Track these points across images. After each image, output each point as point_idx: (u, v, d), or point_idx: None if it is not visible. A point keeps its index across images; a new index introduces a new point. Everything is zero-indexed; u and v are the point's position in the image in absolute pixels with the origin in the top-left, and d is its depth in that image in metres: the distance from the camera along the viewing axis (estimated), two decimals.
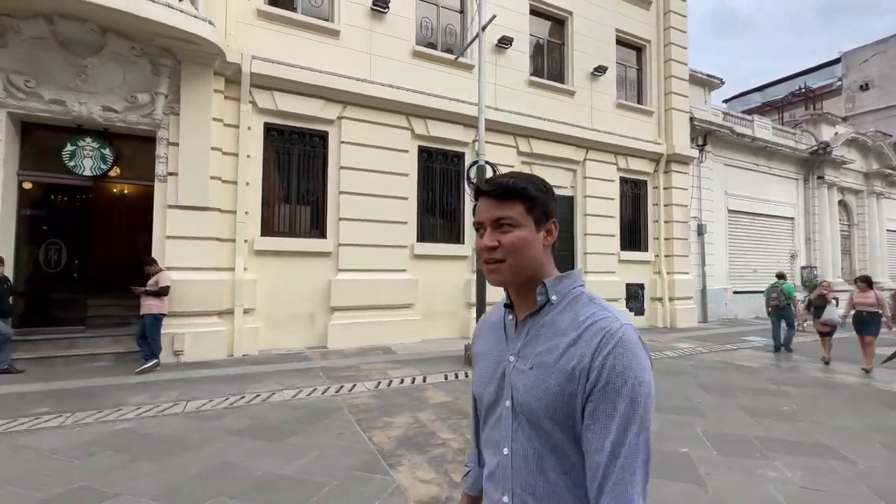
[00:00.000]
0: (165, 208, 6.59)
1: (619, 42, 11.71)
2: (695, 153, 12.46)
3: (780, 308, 8.56)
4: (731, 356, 7.77)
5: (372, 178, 8.24)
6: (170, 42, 6.29)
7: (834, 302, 7.87)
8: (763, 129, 15.13)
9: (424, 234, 8.90)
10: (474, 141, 9.43)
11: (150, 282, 5.98)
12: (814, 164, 16.22)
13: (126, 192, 8.89)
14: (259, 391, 5.06)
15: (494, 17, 7.26)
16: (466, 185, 7.67)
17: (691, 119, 12.54)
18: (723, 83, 14.07)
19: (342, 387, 5.27)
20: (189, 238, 6.66)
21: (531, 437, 0.80)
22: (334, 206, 8.02)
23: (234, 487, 2.84)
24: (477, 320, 8.95)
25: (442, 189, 9.21)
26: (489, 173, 7.02)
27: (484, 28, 7.13)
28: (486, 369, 0.92)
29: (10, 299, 5.69)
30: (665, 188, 12.03)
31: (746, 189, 14.66)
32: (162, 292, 5.96)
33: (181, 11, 6.02)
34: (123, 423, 3.99)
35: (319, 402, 4.72)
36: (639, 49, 12.28)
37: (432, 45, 9.26)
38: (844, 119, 19.77)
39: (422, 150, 8.95)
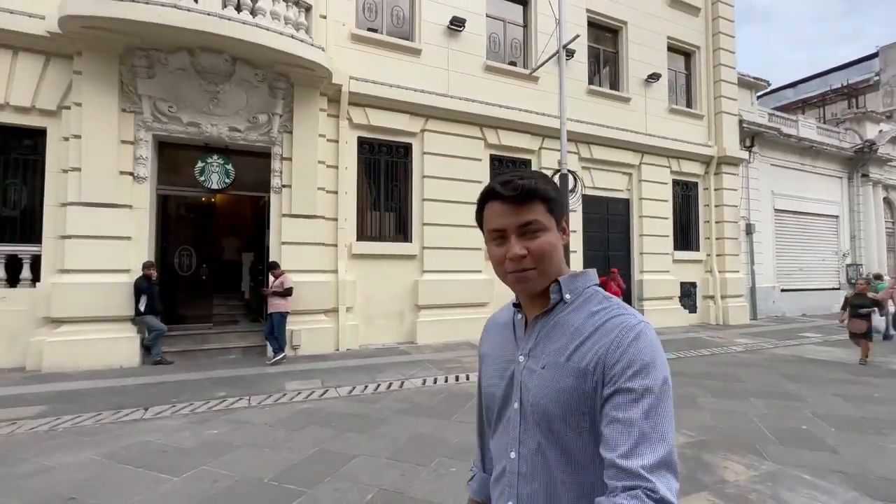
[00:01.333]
0: (280, 217, 7.32)
1: (670, 49, 12.12)
2: (745, 155, 12.79)
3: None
4: (799, 351, 8.16)
5: (450, 186, 8.86)
6: (287, 68, 7.00)
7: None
8: (808, 128, 15.31)
9: None
10: (540, 149, 10.02)
11: (276, 283, 6.69)
12: (858, 162, 16.31)
13: (242, 202, 9.66)
14: (388, 379, 5.70)
15: (577, 36, 7.79)
16: None
17: (740, 121, 12.87)
18: (768, 85, 14.33)
19: (458, 376, 5.89)
20: (301, 244, 7.37)
21: (539, 440, 0.77)
22: (418, 212, 8.67)
23: (446, 450, 3.46)
24: None
25: None
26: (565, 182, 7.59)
27: (565, 46, 7.68)
28: (495, 371, 0.89)
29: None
30: (716, 189, 12.39)
31: (792, 188, 14.87)
32: (287, 293, 6.66)
33: (301, 41, 6.72)
34: (303, 404, 4.67)
35: (451, 388, 5.34)
36: (688, 54, 12.66)
37: (501, 59, 9.84)
38: (889, 116, 19.69)
39: (493, 158, 9.55)
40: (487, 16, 9.63)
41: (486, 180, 9.41)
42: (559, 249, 0.82)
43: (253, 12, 6.49)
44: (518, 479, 0.79)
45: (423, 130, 8.72)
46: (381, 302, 8.20)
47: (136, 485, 2.91)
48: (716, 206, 12.37)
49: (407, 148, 8.71)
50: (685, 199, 12.32)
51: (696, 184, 12.43)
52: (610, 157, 10.84)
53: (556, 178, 7.62)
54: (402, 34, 8.85)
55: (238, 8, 6.36)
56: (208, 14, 6.03)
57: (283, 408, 4.57)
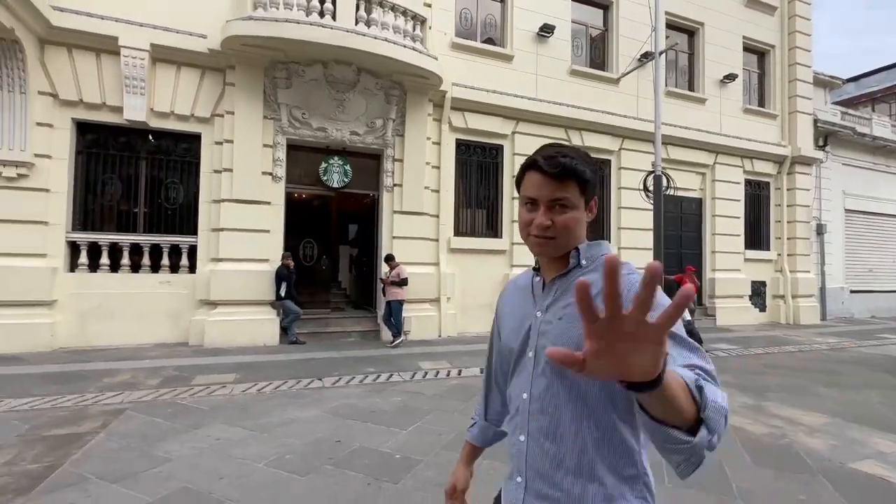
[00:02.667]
0: (392, 213, 8.00)
1: (745, 48, 12.15)
2: (820, 155, 12.72)
3: None
4: (886, 350, 8.29)
5: None
6: (403, 76, 7.64)
7: None
8: (882, 127, 14.95)
9: None
10: (620, 149, 10.36)
11: (393, 274, 7.37)
12: None
13: (350, 199, 10.31)
14: None
15: (677, 44, 8.11)
16: (643, 195, 8.61)
17: (815, 121, 12.78)
18: (844, 83, 14.09)
19: None
20: (409, 238, 8.04)
21: (552, 384, 0.86)
22: (508, 210, 9.20)
23: None
24: None
25: None
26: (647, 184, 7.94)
27: (661, 53, 8.02)
28: (513, 326, 0.99)
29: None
30: (788, 189, 12.40)
31: (863, 188, 14.59)
32: (403, 282, 7.34)
33: (420, 52, 7.34)
34: (452, 380, 5.30)
35: None
36: (762, 54, 12.65)
37: (582, 63, 10.21)
38: None
39: None
40: (572, 21, 10.01)
41: None
42: (581, 225, 0.90)
43: (380, 27, 7.12)
44: (529, 416, 0.89)
45: (513, 133, 9.23)
46: (475, 293, 8.80)
47: (375, 434, 3.58)
48: (788, 205, 12.39)
49: (498, 149, 9.25)
50: (756, 198, 12.38)
51: (767, 183, 12.47)
52: (685, 158, 11.06)
53: (650, 180, 8.01)
54: (494, 41, 9.36)
55: (367, 24, 7.01)
56: (346, 31, 6.71)
57: (437, 382, 5.21)
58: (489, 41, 9.31)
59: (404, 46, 7.14)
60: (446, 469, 2.93)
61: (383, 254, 7.97)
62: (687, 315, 7.90)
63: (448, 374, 5.58)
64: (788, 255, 12.36)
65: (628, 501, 0.82)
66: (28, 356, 5.86)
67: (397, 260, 7.62)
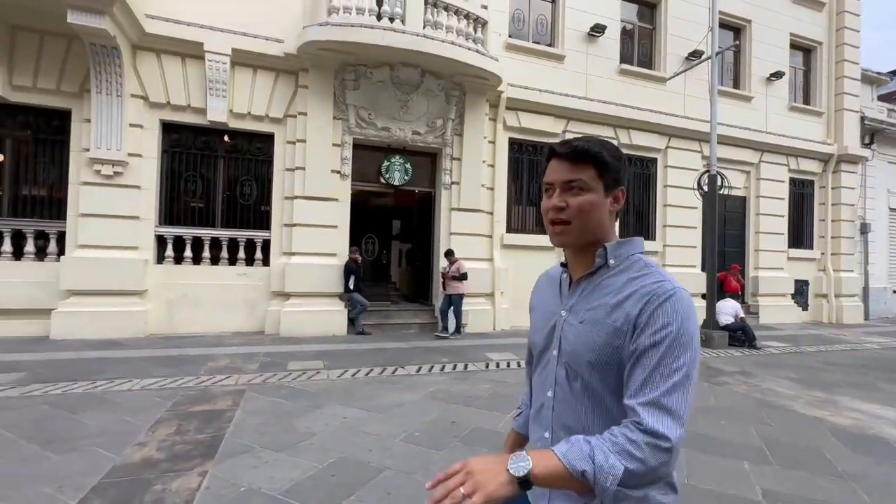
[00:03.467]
0: (450, 211, 8.29)
1: (792, 45, 12.06)
2: (867, 153, 12.58)
3: None
4: None
5: None
6: (464, 77, 7.88)
7: None
8: None
9: (624, 232, 10.09)
10: (667, 147, 10.45)
11: (453, 269, 7.66)
12: None
13: (409, 196, 10.63)
14: None
15: (737, 43, 8.18)
16: (696, 193, 8.73)
17: (861, 118, 12.63)
18: (891, 79, 13.84)
19: None
20: (466, 234, 8.31)
21: (572, 383, 0.88)
22: None
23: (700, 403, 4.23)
24: None
25: (635, 192, 10.33)
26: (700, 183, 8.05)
27: (718, 53, 8.10)
28: (539, 321, 1.01)
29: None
30: (833, 188, 12.32)
31: None
32: (463, 277, 7.62)
33: (483, 55, 7.57)
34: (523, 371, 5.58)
35: None
36: (808, 50, 12.53)
37: (629, 62, 10.30)
38: None
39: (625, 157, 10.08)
40: (621, 20, 10.10)
41: None
42: (601, 211, 0.87)
43: (444, 30, 7.36)
44: (552, 414, 0.91)
45: (564, 131, 9.41)
46: (525, 288, 8.98)
47: (484, 417, 3.88)
48: (832, 204, 12.31)
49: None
50: (800, 196, 12.33)
51: (812, 182, 12.40)
52: (731, 156, 11.07)
53: (705, 179, 8.13)
54: (545, 41, 9.53)
55: (434, 27, 7.26)
56: (417, 35, 6.98)
57: (513, 372, 5.50)
58: (540, 41, 9.49)
59: (469, 49, 7.38)
60: None
61: (439, 249, 8.28)
62: (741, 312, 8.05)
63: (519, 365, 5.86)
64: (832, 254, 12.31)
65: (649, 497, 0.81)
66: (126, 341, 6.33)
67: (456, 255, 7.91)
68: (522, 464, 0.73)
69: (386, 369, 5.42)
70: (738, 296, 9.05)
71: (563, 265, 0.98)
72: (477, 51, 7.47)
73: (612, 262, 0.88)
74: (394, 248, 10.94)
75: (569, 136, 9.37)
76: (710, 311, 7.90)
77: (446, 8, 7.37)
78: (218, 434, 3.30)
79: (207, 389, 4.39)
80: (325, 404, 4.07)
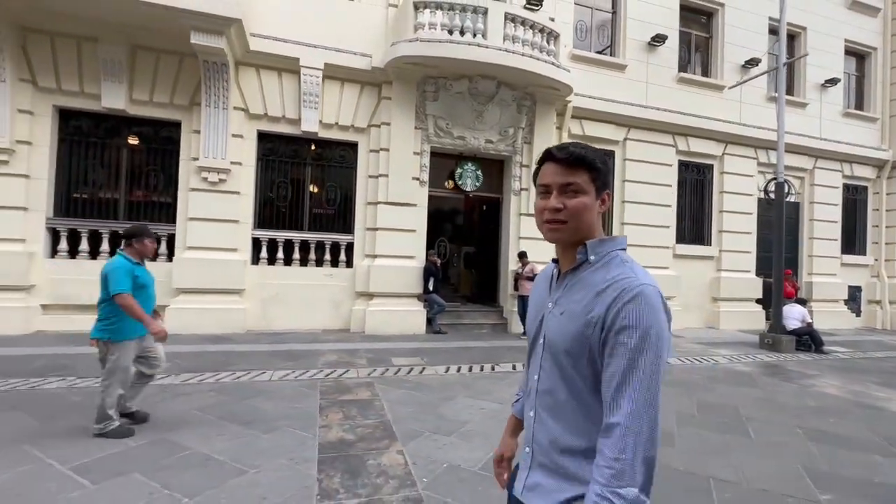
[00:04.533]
0: (519, 216, 8.62)
1: (846, 51, 12.08)
2: None
3: None
4: None
5: (645, 189, 9.77)
6: (536, 88, 8.21)
7: None
8: None
9: (681, 237, 10.29)
10: (723, 154, 10.61)
11: (527, 270, 7.98)
12: None
13: (482, 202, 11.02)
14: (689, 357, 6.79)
15: (806, 54, 8.34)
16: (763, 197, 8.89)
17: None
18: None
19: (699, 361, 6.87)
20: (534, 238, 8.61)
21: (553, 368, 0.96)
22: (618, 213, 9.67)
23: (761, 403, 4.47)
24: (720, 315, 10.21)
25: (692, 197, 10.51)
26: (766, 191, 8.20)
27: (786, 63, 8.26)
28: (532, 312, 1.09)
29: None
30: (888, 193, 12.28)
31: None
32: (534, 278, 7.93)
33: (557, 66, 7.89)
34: None
35: (684, 366, 6.35)
36: (862, 56, 12.52)
37: (684, 69, 10.50)
38: None
39: (681, 163, 10.30)
40: (679, 30, 10.31)
41: (675, 184, 10.22)
42: (592, 212, 0.96)
43: (521, 43, 7.69)
44: (537, 395, 1.00)
45: (625, 139, 9.66)
46: None
47: None
48: (887, 210, 12.28)
49: (610, 154, 9.69)
50: (853, 202, 12.32)
51: (865, 188, 12.39)
52: (786, 162, 11.10)
53: (772, 187, 8.29)
54: (606, 51, 9.80)
55: (512, 41, 7.60)
56: (498, 49, 7.33)
57: None
58: (602, 51, 9.76)
59: (545, 62, 7.70)
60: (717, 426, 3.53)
61: (507, 253, 8.61)
62: (808, 318, 8.19)
63: (667, 365, 6.14)
64: (886, 260, 12.27)
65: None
66: (231, 336, 6.81)
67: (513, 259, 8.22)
68: None
69: (484, 366, 5.76)
70: (806, 301, 9.14)
71: (555, 260, 1.06)
72: (552, 63, 7.79)
73: (592, 258, 0.95)
74: (454, 251, 11.30)
75: (630, 143, 9.66)
76: (777, 315, 8.05)
77: (523, 22, 7.71)
78: (383, 420, 3.68)
79: (340, 381, 4.79)
80: (454, 397, 4.43)
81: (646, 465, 0.81)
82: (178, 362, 5.24)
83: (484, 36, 7.44)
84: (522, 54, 7.49)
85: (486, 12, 7.44)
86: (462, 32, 7.38)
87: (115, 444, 3.03)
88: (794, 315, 8.13)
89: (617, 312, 0.85)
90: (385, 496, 2.49)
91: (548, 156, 0.99)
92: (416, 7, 7.35)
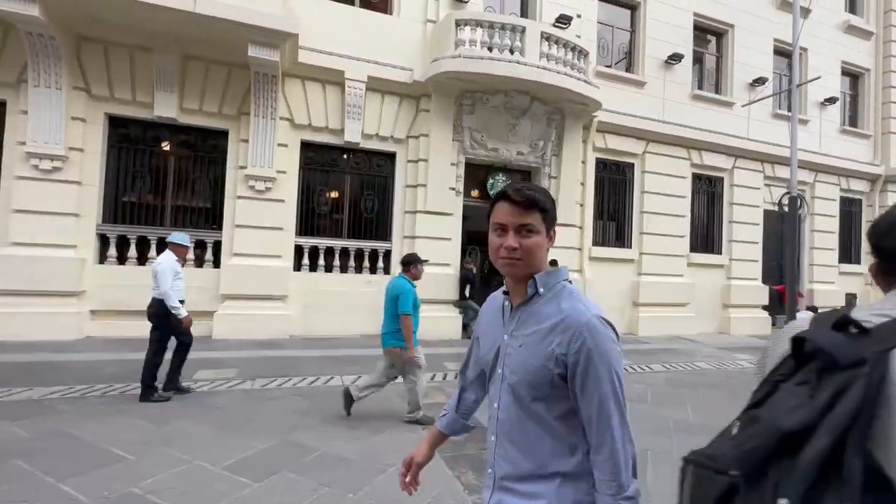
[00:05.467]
0: None
1: (843, 72, 12.80)
2: None
3: None
4: None
5: (662, 200, 10.20)
6: (566, 103, 8.57)
7: None
8: None
9: (694, 246, 10.75)
10: (733, 167, 11.14)
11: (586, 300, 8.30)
12: None
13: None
14: (717, 363, 7.17)
15: (818, 76, 8.88)
16: (779, 210, 9.39)
17: None
18: None
19: (727, 366, 7.28)
20: (562, 248, 8.96)
21: (512, 398, 1.04)
22: (637, 223, 10.08)
23: None
24: (731, 321, 10.69)
25: (705, 208, 11.01)
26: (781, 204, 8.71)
27: (799, 85, 8.79)
28: (488, 343, 1.14)
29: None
30: (880, 206, 12.99)
31: None
32: None
33: (587, 83, 8.26)
34: (675, 373, 6.21)
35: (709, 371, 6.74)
36: (856, 76, 13.27)
37: (702, 87, 11.02)
38: None
39: (694, 176, 10.78)
40: (693, 49, 10.83)
41: (689, 196, 10.68)
42: (543, 249, 1.04)
43: (555, 61, 8.04)
44: (498, 422, 1.06)
45: (644, 152, 10.09)
46: (609, 297, 9.66)
47: (671, 399, 4.50)
48: None
49: (629, 167, 10.12)
50: (849, 214, 13.02)
51: (860, 200, 13.10)
52: (787, 175, 11.75)
53: (786, 200, 8.79)
54: (626, 68, 10.24)
55: (547, 58, 7.95)
56: (536, 66, 7.67)
57: (671, 374, 6.12)
58: (622, 68, 10.20)
59: (577, 78, 8.07)
60: None
61: None
62: None
63: (668, 368, 6.48)
64: None
65: (573, 493, 0.98)
66: (278, 342, 6.94)
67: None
68: None
69: None
70: (818, 308, 9.62)
71: (506, 293, 1.11)
72: (584, 80, 8.16)
73: (541, 290, 1.03)
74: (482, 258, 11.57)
75: (648, 156, 10.09)
76: (791, 321, 8.51)
77: (556, 41, 8.06)
78: (475, 422, 3.92)
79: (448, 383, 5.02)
80: None
81: (633, 462, 0.96)
82: (245, 367, 5.39)
83: (522, 53, 7.76)
84: (557, 72, 7.84)
85: (523, 31, 7.78)
86: (500, 49, 7.69)
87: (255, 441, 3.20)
88: (806, 322, 8.59)
89: (578, 350, 0.95)
90: None
91: (504, 196, 1.04)
92: (458, 24, 7.64)
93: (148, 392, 4.10)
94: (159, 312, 4.25)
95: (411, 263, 4.13)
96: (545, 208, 1.03)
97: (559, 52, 8.11)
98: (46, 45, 6.00)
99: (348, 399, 3.94)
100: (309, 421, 3.78)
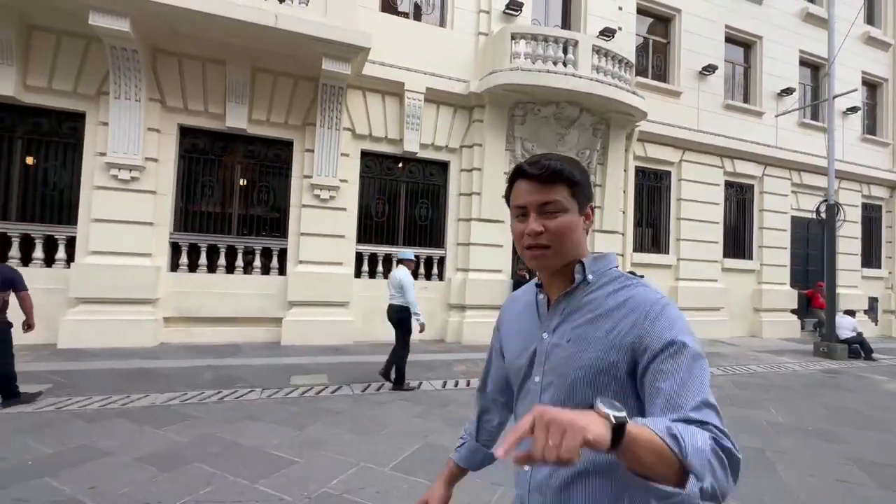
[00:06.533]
0: (593, 232, 9.17)
1: (863, 82, 13.18)
2: None
3: None
4: None
5: (697, 207, 10.48)
6: (611, 113, 8.81)
7: None
8: None
9: (727, 252, 11.02)
10: (763, 175, 11.44)
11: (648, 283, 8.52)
12: None
13: None
14: (761, 365, 7.39)
15: (855, 90, 9.19)
16: (817, 218, 9.67)
17: None
18: None
19: (773, 368, 7.52)
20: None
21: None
22: (675, 229, 10.34)
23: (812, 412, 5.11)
24: (763, 324, 10.96)
25: (736, 214, 11.29)
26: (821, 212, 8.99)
27: (836, 97, 9.10)
28: (517, 347, 0.93)
29: None
30: None
31: None
32: None
33: (634, 94, 8.52)
34: (748, 378, 6.43)
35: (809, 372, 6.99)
36: (874, 86, 13.66)
37: (732, 97, 11.32)
38: None
39: (727, 183, 11.07)
40: (725, 60, 11.14)
41: (722, 203, 10.97)
42: (578, 231, 0.85)
43: (603, 73, 8.29)
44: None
45: (681, 161, 10.37)
46: None
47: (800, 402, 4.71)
48: None
49: (666, 174, 10.39)
50: (868, 220, 13.37)
51: (880, 206, 13.46)
52: (814, 182, 12.09)
53: (823, 208, 9.08)
54: (659, 77, 10.53)
55: (597, 70, 8.19)
56: (589, 79, 7.91)
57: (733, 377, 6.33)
58: (657, 79, 10.48)
59: (626, 90, 8.32)
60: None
61: None
62: (858, 327, 8.96)
63: (726, 371, 6.68)
64: None
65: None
66: (344, 347, 7.10)
67: None
68: (615, 412, 0.58)
69: None
70: (855, 312, 9.89)
71: (538, 285, 0.94)
72: (633, 92, 8.42)
73: (590, 277, 0.86)
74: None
75: (685, 164, 10.36)
76: (830, 326, 8.80)
77: (605, 53, 8.31)
78: None
79: None
80: None
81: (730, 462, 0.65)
82: (333, 372, 5.55)
83: (574, 66, 8.00)
84: (608, 83, 8.09)
85: (576, 44, 8.02)
86: (554, 62, 7.93)
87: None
88: (846, 325, 8.89)
89: (651, 331, 0.76)
90: None
91: (519, 172, 0.86)
92: (513, 37, 7.87)
93: (400, 382, 5.03)
94: (403, 316, 5.21)
95: None
96: (573, 179, 0.84)
97: (608, 65, 8.35)
98: (129, 58, 6.15)
99: None
100: (432, 424, 3.94)
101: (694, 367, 0.73)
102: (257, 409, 4.13)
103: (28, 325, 4.10)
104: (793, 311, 11.61)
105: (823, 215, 9.08)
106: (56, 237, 6.35)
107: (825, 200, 9.06)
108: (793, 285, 11.72)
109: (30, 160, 6.44)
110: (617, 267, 0.90)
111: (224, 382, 4.90)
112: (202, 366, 5.53)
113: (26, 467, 2.83)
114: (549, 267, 0.87)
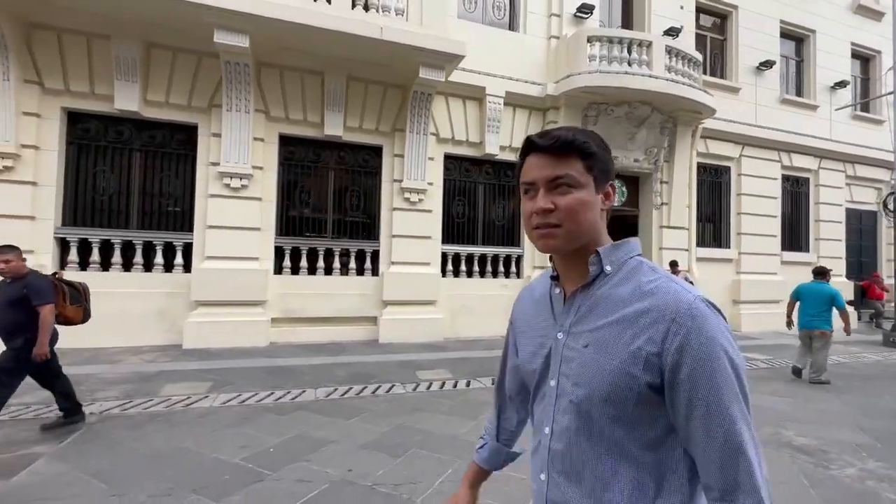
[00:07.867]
0: (660, 228, 9.37)
1: None
2: None
3: None
4: None
5: (757, 202, 10.62)
6: (679, 112, 8.99)
7: None
8: None
9: (785, 245, 11.16)
10: (819, 168, 11.54)
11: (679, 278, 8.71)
12: None
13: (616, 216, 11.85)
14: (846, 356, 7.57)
15: None
16: (882, 212, 9.79)
17: None
18: None
19: (851, 357, 7.68)
20: (673, 249, 9.38)
21: (576, 420, 0.75)
22: (735, 224, 10.49)
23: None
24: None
25: (793, 208, 11.41)
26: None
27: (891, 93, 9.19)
28: (531, 346, 0.86)
29: None
30: None
31: None
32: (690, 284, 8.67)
33: (705, 92, 8.68)
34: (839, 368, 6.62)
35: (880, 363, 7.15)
36: None
37: (787, 91, 11.42)
38: None
39: (784, 177, 11.19)
40: (780, 55, 11.24)
41: (779, 196, 11.10)
42: (594, 211, 0.76)
43: (675, 73, 8.47)
44: (550, 454, 0.79)
45: (740, 156, 10.51)
46: (713, 296, 9.95)
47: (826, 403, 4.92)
48: None
49: (726, 170, 10.54)
50: None
51: None
52: (865, 174, 12.16)
53: (891, 200, 9.20)
54: (718, 74, 10.66)
55: (669, 70, 8.37)
56: (665, 79, 8.10)
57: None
58: (714, 75, 10.61)
59: (698, 89, 8.50)
60: None
61: None
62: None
63: (838, 361, 6.90)
64: None
65: None
66: (437, 344, 7.38)
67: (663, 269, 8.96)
68: None
69: None
70: (884, 303, 10.02)
71: (554, 277, 0.84)
72: (703, 90, 8.59)
73: (608, 268, 0.77)
74: None
75: (744, 159, 10.50)
76: None
77: (677, 54, 8.49)
78: None
79: None
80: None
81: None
82: (456, 368, 5.82)
83: (649, 66, 8.19)
84: (681, 83, 8.27)
85: (650, 45, 8.21)
86: (630, 63, 8.12)
87: None
88: None
89: (680, 346, 0.68)
90: None
91: (529, 145, 0.79)
92: (590, 40, 8.08)
93: None
94: None
95: (823, 273, 6.14)
96: (588, 151, 0.76)
97: (679, 64, 8.53)
98: (241, 71, 6.45)
99: (797, 372, 5.89)
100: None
101: (724, 421, 0.65)
102: (418, 402, 4.41)
103: (37, 354, 3.19)
104: (849, 303, 11.69)
105: (892, 207, 9.19)
106: (174, 244, 6.70)
107: (892, 193, 9.17)
108: (848, 277, 11.82)
109: (146, 171, 6.79)
110: (640, 255, 0.81)
111: (361, 378, 5.20)
112: (329, 363, 5.84)
113: (271, 454, 3.13)
114: (559, 249, 0.77)
